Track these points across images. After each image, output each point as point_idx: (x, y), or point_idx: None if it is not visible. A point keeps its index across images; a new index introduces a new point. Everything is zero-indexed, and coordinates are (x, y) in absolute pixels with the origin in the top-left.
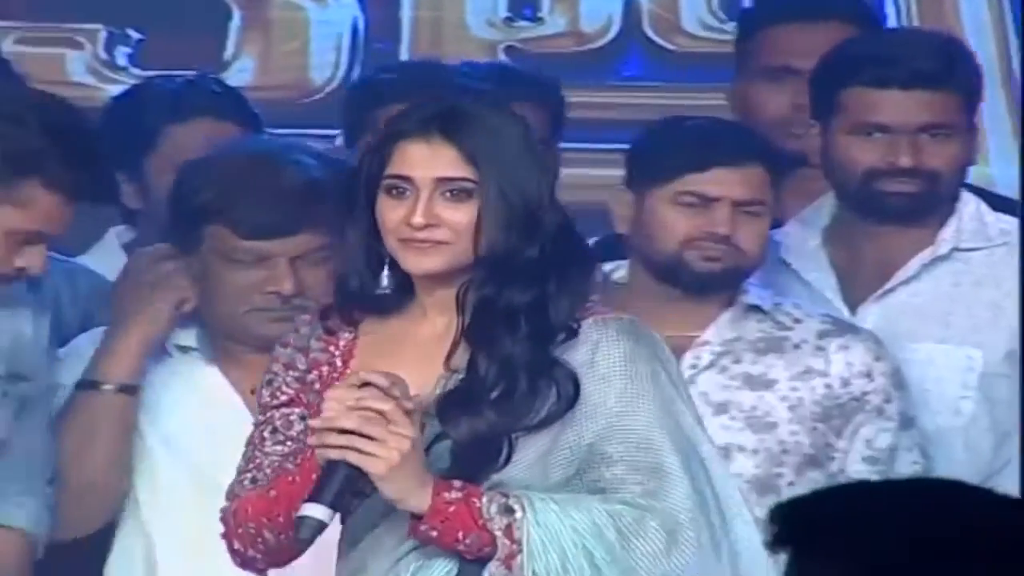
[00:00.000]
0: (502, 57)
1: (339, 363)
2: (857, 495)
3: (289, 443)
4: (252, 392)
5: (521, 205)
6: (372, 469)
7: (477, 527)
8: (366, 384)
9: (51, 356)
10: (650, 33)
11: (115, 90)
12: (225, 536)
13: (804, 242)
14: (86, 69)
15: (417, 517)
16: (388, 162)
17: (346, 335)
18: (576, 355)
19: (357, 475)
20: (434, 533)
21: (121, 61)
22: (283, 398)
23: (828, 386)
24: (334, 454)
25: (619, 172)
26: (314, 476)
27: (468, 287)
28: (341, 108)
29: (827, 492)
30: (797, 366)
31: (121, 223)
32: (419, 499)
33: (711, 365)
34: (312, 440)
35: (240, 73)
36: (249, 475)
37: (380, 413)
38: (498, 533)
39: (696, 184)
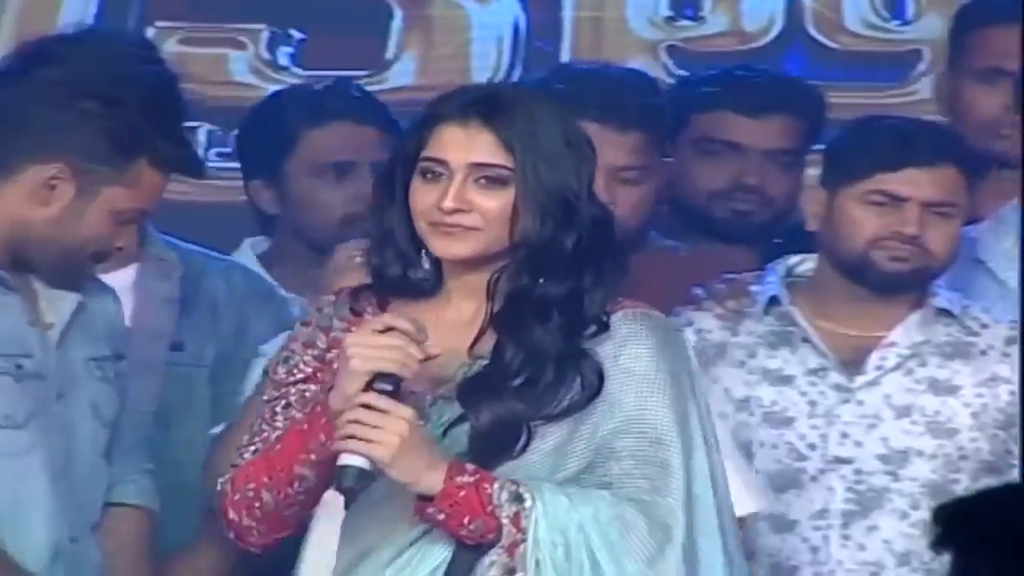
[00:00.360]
0: (663, 57)
1: None
2: (1021, 495)
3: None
4: None
5: (558, 195)
6: (376, 455)
7: (484, 513)
8: (390, 329)
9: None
10: (813, 32)
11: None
12: (220, 507)
13: (999, 241)
14: (248, 69)
15: (425, 498)
16: (425, 145)
17: (370, 317)
18: (603, 348)
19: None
20: (441, 516)
21: (283, 61)
22: (300, 376)
23: (1012, 393)
24: (348, 445)
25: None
26: (322, 433)
27: (501, 275)
28: None
29: (990, 493)
30: (983, 372)
31: (258, 233)
32: (429, 481)
33: (897, 367)
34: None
35: (401, 73)
36: (253, 447)
37: (381, 400)
38: (505, 521)
39: (887, 183)
